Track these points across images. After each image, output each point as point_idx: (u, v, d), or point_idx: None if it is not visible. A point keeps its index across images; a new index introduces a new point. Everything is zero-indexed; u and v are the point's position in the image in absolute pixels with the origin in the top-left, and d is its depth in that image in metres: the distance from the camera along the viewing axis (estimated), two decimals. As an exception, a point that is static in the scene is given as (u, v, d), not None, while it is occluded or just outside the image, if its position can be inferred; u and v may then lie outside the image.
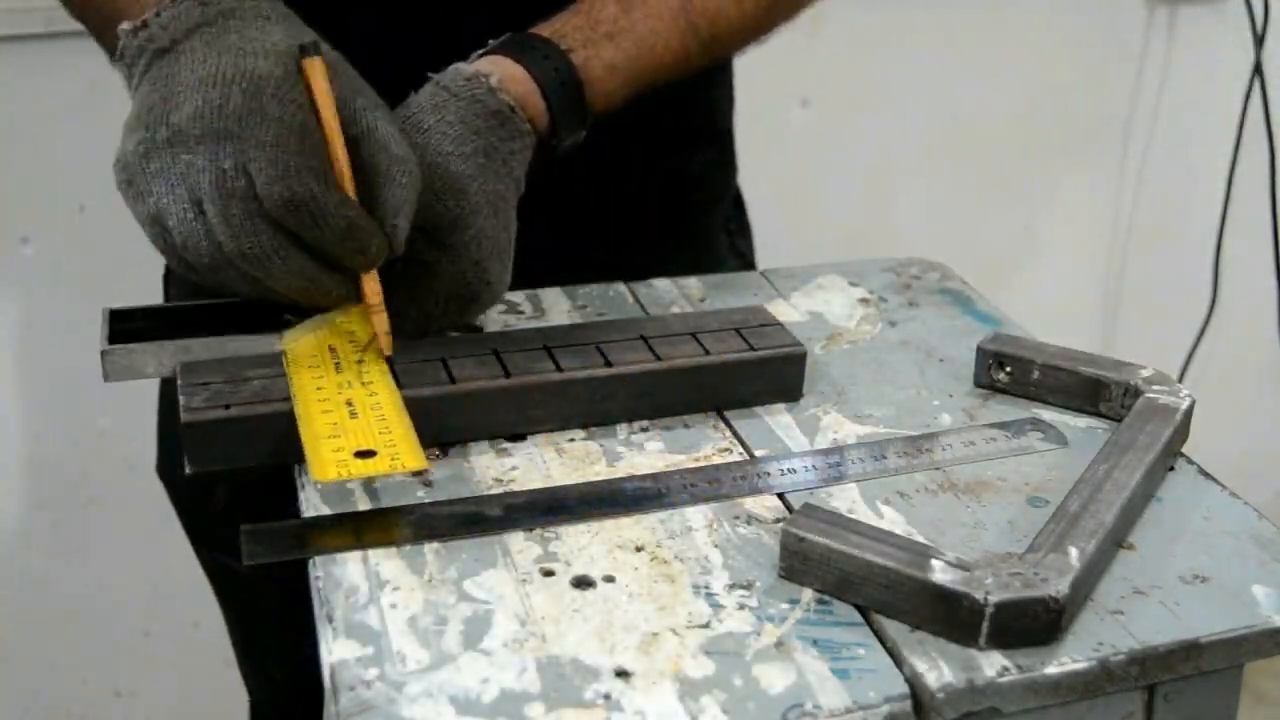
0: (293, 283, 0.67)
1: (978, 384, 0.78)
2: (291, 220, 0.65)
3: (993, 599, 0.54)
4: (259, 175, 0.64)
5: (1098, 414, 0.74)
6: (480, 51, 0.79)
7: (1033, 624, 0.55)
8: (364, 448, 0.63)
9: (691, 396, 0.74)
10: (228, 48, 0.67)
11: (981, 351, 0.77)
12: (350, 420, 0.65)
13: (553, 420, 0.71)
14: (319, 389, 0.67)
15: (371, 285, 0.69)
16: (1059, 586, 0.55)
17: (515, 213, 0.76)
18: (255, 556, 0.61)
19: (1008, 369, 0.76)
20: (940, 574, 0.55)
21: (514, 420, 0.70)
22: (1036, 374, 0.75)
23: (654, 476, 0.67)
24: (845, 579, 0.57)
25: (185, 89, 0.66)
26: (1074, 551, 0.57)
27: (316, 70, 0.68)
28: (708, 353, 0.74)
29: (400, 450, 0.63)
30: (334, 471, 0.62)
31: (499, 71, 0.76)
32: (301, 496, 0.66)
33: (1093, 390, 0.74)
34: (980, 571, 0.55)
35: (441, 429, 0.69)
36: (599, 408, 0.72)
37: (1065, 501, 0.62)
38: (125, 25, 0.69)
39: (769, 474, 0.68)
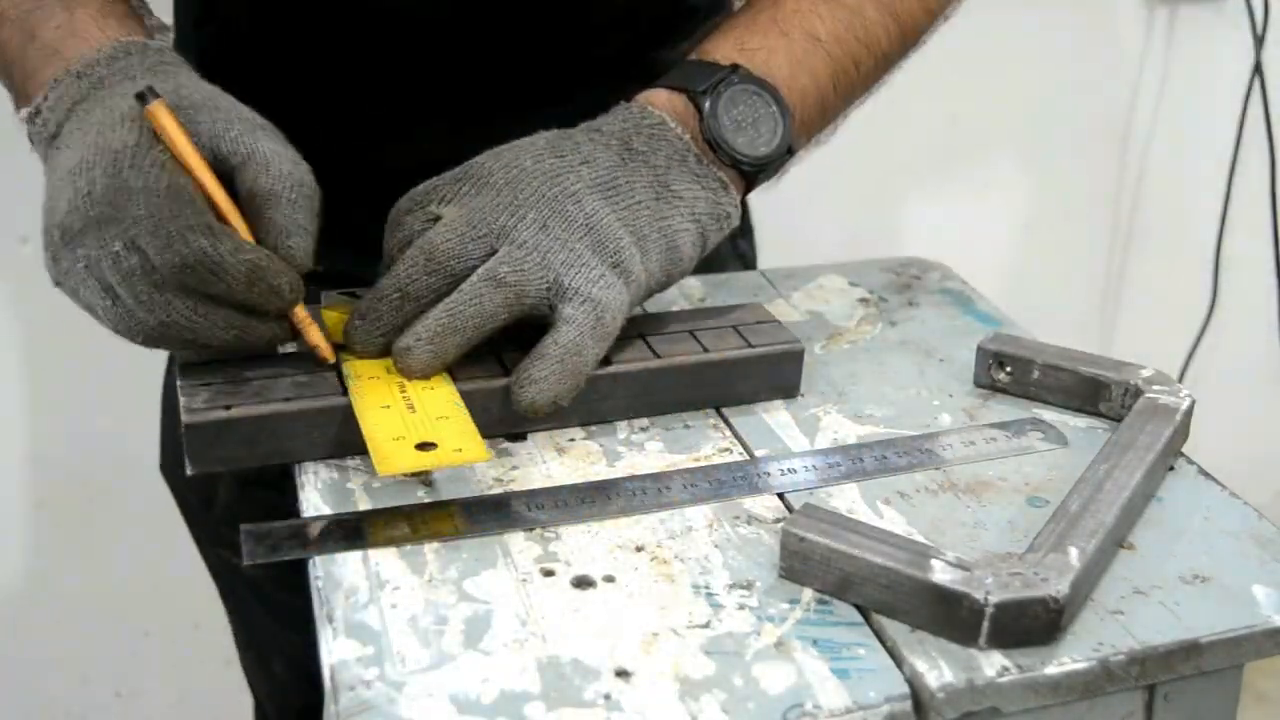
0: (224, 337, 0.66)
1: (978, 384, 0.78)
2: (194, 281, 0.63)
3: (993, 599, 0.54)
4: (148, 249, 0.63)
5: (1098, 414, 0.74)
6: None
7: (1033, 624, 0.55)
8: (425, 440, 0.63)
9: (690, 395, 0.74)
10: (91, 125, 0.67)
11: (982, 351, 0.77)
12: (409, 414, 0.65)
13: (551, 419, 0.71)
14: (374, 380, 0.67)
15: (297, 309, 0.68)
16: (1059, 586, 0.55)
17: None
18: (255, 556, 0.61)
19: (1008, 369, 0.76)
20: (940, 574, 0.55)
21: (513, 419, 0.70)
22: (1036, 374, 0.75)
23: (654, 476, 0.67)
24: (845, 579, 0.57)
25: (61, 183, 0.66)
26: (1074, 551, 0.57)
27: (161, 116, 0.66)
28: (706, 350, 0.74)
29: (463, 443, 0.63)
30: (397, 465, 0.62)
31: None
32: (301, 496, 0.66)
33: (1093, 390, 0.74)
34: (980, 571, 0.55)
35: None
36: (598, 406, 0.72)
37: (1065, 501, 0.62)
38: (22, 113, 0.70)
39: (769, 474, 0.68)
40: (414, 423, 0.64)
